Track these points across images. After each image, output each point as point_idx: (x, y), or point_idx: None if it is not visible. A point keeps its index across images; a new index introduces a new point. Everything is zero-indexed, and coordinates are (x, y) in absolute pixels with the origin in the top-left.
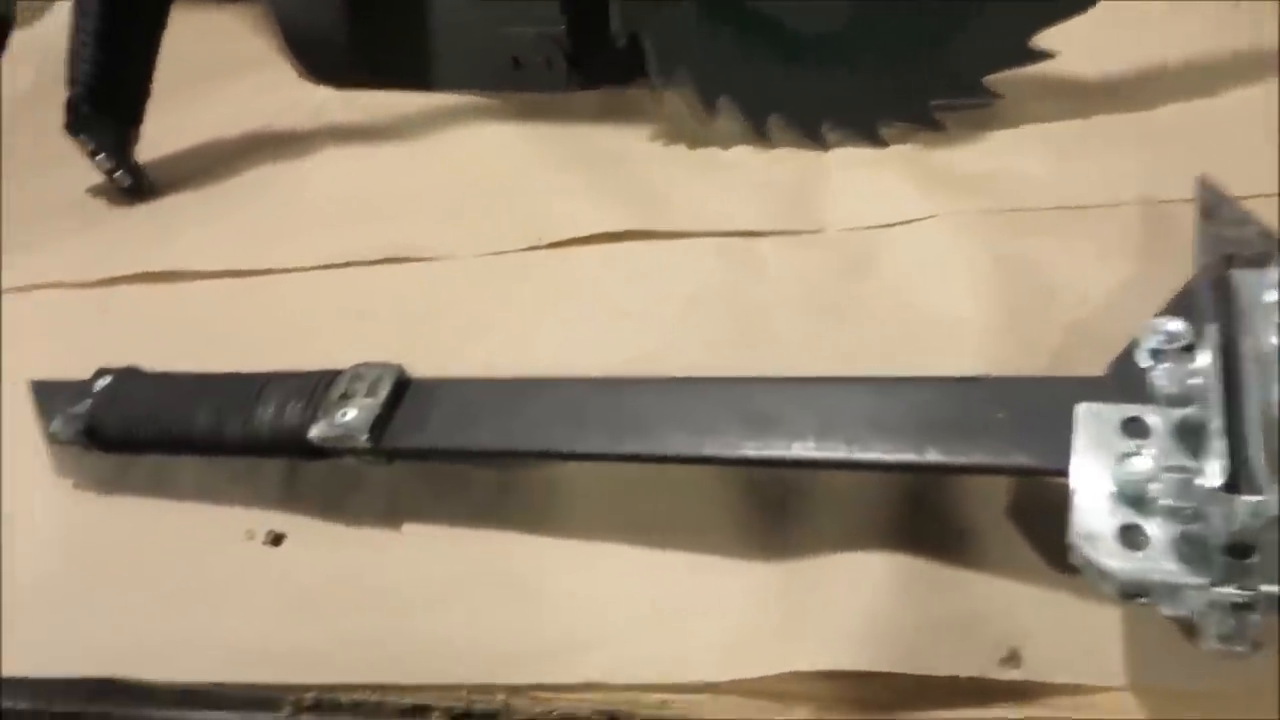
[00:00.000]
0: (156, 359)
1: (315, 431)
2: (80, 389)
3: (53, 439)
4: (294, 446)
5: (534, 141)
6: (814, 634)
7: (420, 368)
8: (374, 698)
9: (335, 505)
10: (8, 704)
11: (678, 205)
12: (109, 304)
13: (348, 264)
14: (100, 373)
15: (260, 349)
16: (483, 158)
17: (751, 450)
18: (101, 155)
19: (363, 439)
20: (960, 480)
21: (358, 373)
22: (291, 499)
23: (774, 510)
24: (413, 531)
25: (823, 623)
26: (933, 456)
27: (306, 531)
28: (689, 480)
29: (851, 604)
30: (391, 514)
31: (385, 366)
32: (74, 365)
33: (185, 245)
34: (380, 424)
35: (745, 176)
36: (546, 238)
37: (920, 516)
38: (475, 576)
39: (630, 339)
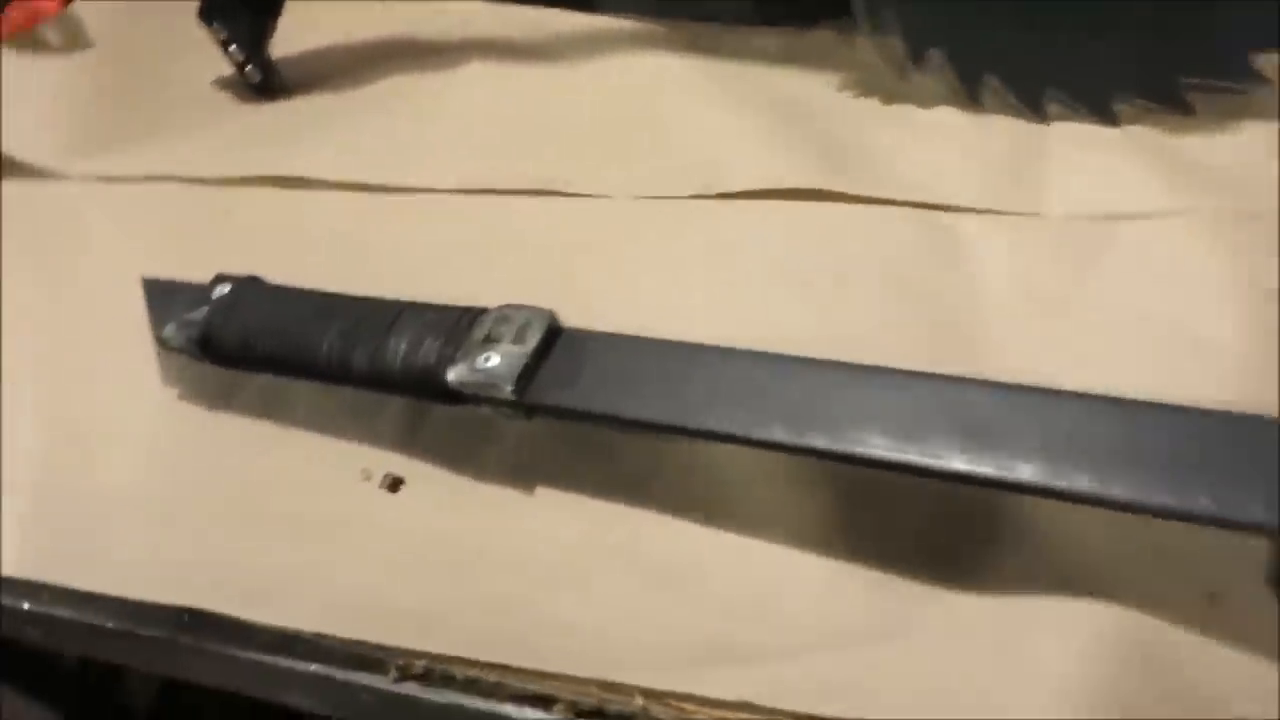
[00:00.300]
0: (279, 270)
1: (454, 375)
2: (197, 294)
3: (163, 344)
4: (427, 387)
5: (706, 78)
6: (1022, 687)
7: (562, 313)
8: (491, 677)
9: (464, 456)
10: (92, 620)
11: (867, 166)
12: (231, 206)
13: (488, 191)
14: (219, 279)
15: (389, 272)
16: (646, 90)
17: (965, 465)
18: (234, 46)
19: (507, 389)
20: (1215, 533)
21: (504, 314)
22: (415, 442)
23: (978, 535)
24: (548, 497)
25: (1033, 676)
26: (1202, 506)
27: (428, 480)
28: (876, 483)
29: (1067, 661)
30: (526, 474)
31: (535, 311)
32: (190, 266)
33: (315, 152)
34: (527, 374)
35: (949, 142)
36: (715, 187)
37: (1162, 571)
38: (616, 557)
39: (804, 312)
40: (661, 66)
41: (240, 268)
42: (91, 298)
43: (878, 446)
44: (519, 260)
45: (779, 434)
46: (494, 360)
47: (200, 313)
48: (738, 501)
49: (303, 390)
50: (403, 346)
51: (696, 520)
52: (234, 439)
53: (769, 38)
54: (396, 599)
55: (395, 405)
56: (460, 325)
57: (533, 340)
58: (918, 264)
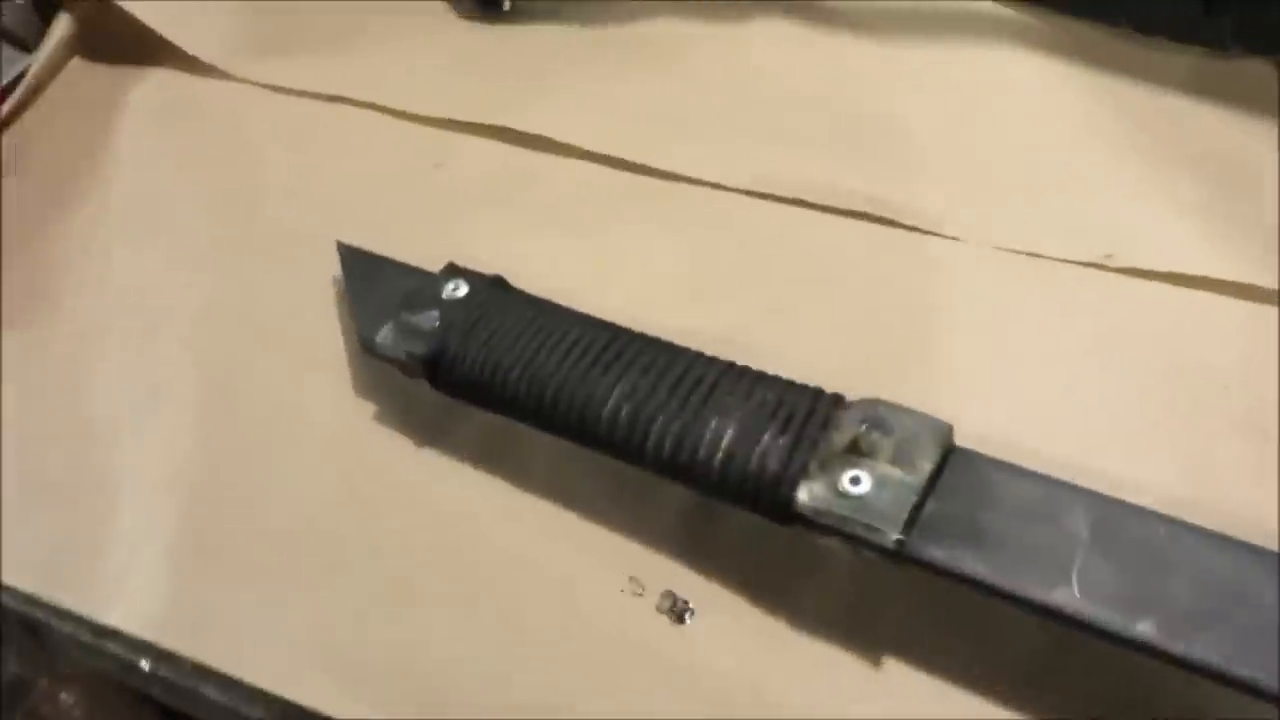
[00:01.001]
0: (502, 256)
1: (806, 495)
2: (418, 285)
3: (370, 350)
4: (759, 499)
5: (1113, 108)
6: None
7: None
8: None
9: (778, 589)
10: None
11: None
12: (443, 156)
13: (792, 201)
14: (452, 271)
15: (642, 282)
16: (1026, 110)
17: None
18: None
19: (890, 535)
20: None
21: (877, 415)
22: (707, 553)
23: None
24: (897, 673)
25: None
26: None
27: (724, 615)
28: None
29: None
30: (861, 627)
31: (923, 420)
32: (385, 226)
33: (556, 105)
34: (914, 514)
35: None
36: (1120, 258)
37: None
38: None
39: (1245, 456)
40: (1051, 78)
41: (452, 244)
42: (260, 235)
43: None
44: (831, 306)
45: None
46: (866, 486)
47: (429, 319)
48: None
49: (547, 443)
50: (729, 433)
51: None
52: (442, 492)
53: (1198, 60)
54: None
55: (682, 494)
56: (813, 420)
57: (924, 465)
58: None
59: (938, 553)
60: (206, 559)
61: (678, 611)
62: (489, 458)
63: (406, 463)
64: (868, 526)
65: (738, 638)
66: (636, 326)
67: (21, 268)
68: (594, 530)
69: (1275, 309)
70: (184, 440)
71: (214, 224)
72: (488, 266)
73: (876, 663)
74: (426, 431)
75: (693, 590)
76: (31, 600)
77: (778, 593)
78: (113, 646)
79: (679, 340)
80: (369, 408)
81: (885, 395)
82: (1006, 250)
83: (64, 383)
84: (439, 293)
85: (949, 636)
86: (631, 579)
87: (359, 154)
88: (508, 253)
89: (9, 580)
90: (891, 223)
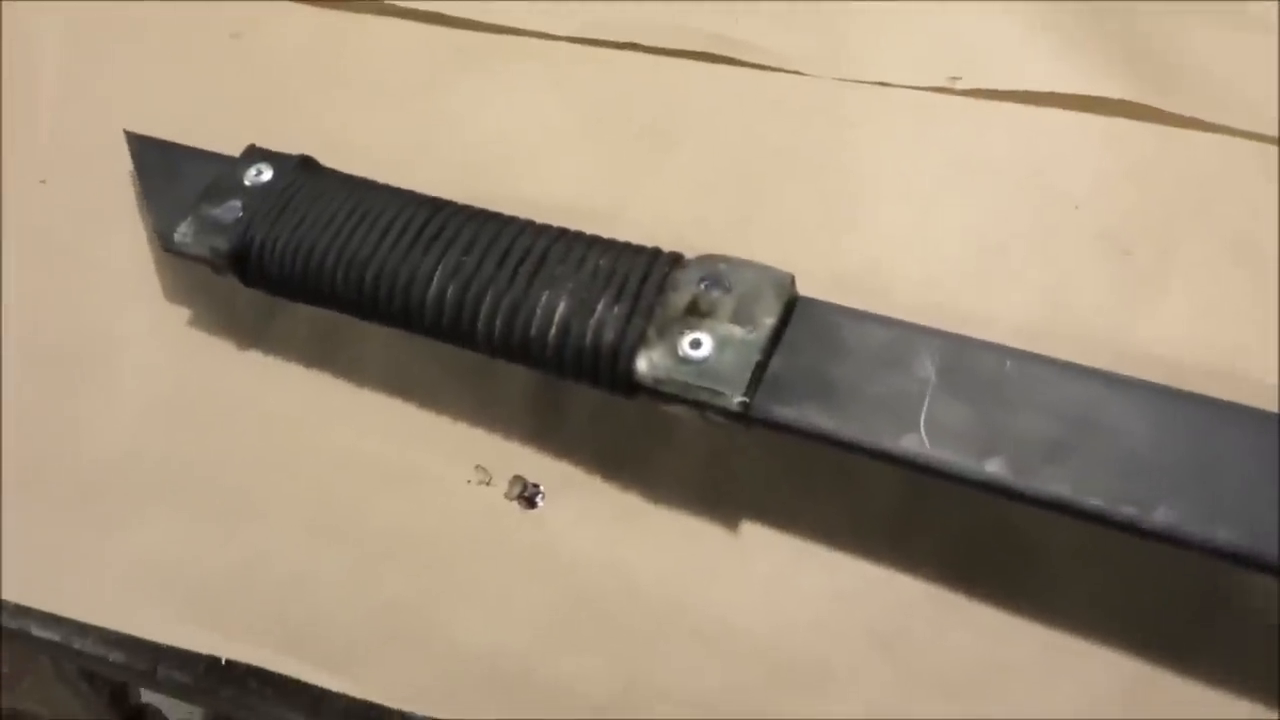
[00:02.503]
0: (316, 132)
1: (645, 364)
2: (217, 174)
3: (170, 248)
4: (598, 372)
5: None
6: None
7: (743, 234)
8: None
9: (629, 463)
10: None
11: (1197, 81)
12: (245, 22)
13: (623, 46)
14: (254, 154)
15: (481, 151)
16: None
17: None
18: None
19: (734, 398)
20: None
21: (715, 271)
22: (553, 434)
23: None
24: (757, 537)
25: None
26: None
27: (576, 493)
28: None
29: None
30: (722, 497)
31: (764, 272)
32: (182, 101)
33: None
34: (758, 373)
35: None
36: (968, 80)
37: None
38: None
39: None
40: None
41: (257, 125)
42: (44, 140)
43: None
44: (672, 159)
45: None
46: (707, 348)
47: (230, 209)
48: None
49: (378, 337)
50: (561, 305)
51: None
52: (272, 396)
53: None
54: (534, 666)
55: (524, 375)
56: (649, 282)
57: (766, 320)
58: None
59: (785, 411)
60: (26, 495)
61: (528, 496)
62: (318, 354)
63: (230, 368)
64: (711, 391)
65: (592, 518)
66: (467, 200)
67: None
68: (435, 421)
69: (1125, 121)
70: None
71: None
72: (299, 146)
73: (735, 529)
74: (248, 333)
75: (543, 473)
76: None
77: (630, 467)
78: None
79: (515, 212)
80: (183, 313)
81: (731, 250)
82: (852, 81)
83: None
84: (240, 179)
85: (806, 495)
86: (478, 467)
87: (145, 34)
88: (320, 129)
89: None
90: (732, 61)
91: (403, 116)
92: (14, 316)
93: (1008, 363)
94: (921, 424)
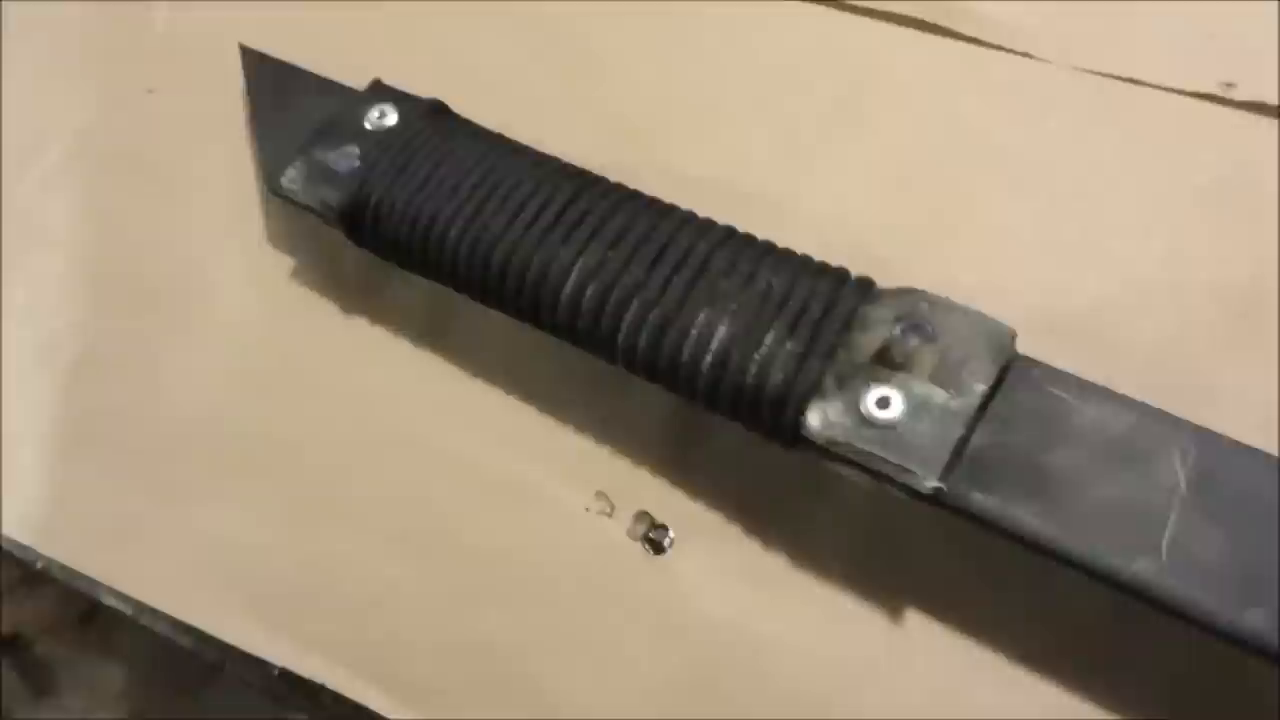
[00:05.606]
0: (448, 66)
1: (818, 419)
2: (340, 112)
3: (274, 190)
4: (759, 415)
5: None
6: None
7: None
8: None
9: (776, 515)
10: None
11: None
12: None
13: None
14: (379, 92)
15: (638, 110)
16: None
17: None
18: None
19: (927, 480)
20: None
21: (915, 314)
22: (689, 467)
23: None
24: (922, 629)
25: None
26: None
27: (710, 545)
28: None
29: None
30: (878, 576)
31: (978, 322)
32: (306, 14)
33: None
34: (958, 449)
35: None
36: (1244, 89)
37: None
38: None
39: None
40: None
41: (387, 51)
42: (150, 44)
43: None
44: (863, 145)
45: None
46: (898, 410)
47: (347, 157)
48: None
49: (500, 319)
50: (721, 330)
51: None
52: (372, 373)
53: None
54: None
55: (662, 399)
56: (832, 317)
57: (976, 386)
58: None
59: (986, 501)
60: (94, 449)
61: (654, 539)
62: (429, 332)
63: (329, 334)
64: (898, 467)
65: (726, 575)
66: (609, 168)
67: None
68: (554, 431)
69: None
70: (58, 301)
71: (94, 28)
72: (426, 79)
73: (896, 615)
74: (354, 295)
75: (672, 513)
76: None
77: (777, 520)
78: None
79: (665, 189)
80: (285, 262)
81: (924, 266)
82: (1093, 73)
83: None
84: (360, 121)
85: (989, 589)
86: (599, 494)
87: None
88: (452, 63)
89: None
90: (946, 32)
91: (548, 58)
92: (104, 240)
93: None
94: (1163, 547)
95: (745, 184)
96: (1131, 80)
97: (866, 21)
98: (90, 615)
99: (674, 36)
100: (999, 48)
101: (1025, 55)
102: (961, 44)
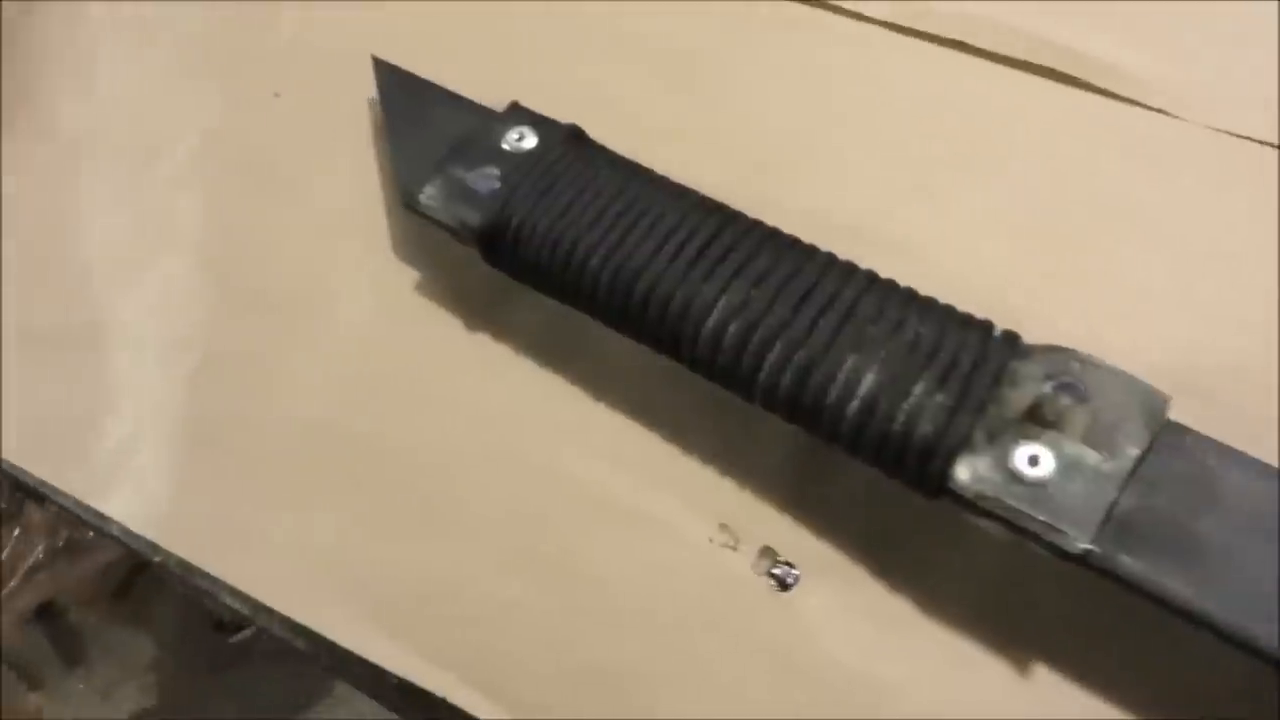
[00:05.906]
0: (579, 90)
1: (967, 473)
2: (477, 130)
3: (412, 207)
4: (900, 460)
5: None
6: None
7: None
8: None
9: (905, 559)
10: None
11: None
12: None
13: (950, 44)
14: (517, 114)
15: (766, 146)
16: None
17: None
18: None
19: (1079, 542)
20: None
21: (1067, 373)
22: (817, 504)
23: None
24: (1051, 688)
25: None
26: None
27: (836, 585)
28: None
29: None
30: (1009, 629)
31: (1133, 386)
32: (438, 31)
33: None
34: (1109, 512)
35: None
36: None
37: None
38: None
39: None
40: None
41: (519, 71)
42: (279, 50)
43: None
44: (993, 192)
45: None
46: (1048, 469)
47: (487, 179)
48: None
49: (627, 343)
50: (868, 377)
51: None
52: (494, 391)
53: None
54: None
55: (792, 435)
56: (983, 371)
57: (1130, 450)
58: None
59: (1133, 565)
60: (213, 450)
61: (779, 576)
62: (555, 353)
63: (452, 349)
64: (1048, 526)
65: (851, 616)
66: (739, 201)
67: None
68: (678, 459)
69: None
70: (186, 300)
71: (221, 30)
72: (557, 104)
73: (1024, 669)
74: (479, 312)
75: (798, 550)
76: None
77: (905, 564)
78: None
79: (791, 224)
80: (409, 275)
81: (1055, 321)
82: (1233, 135)
83: (53, 205)
84: (499, 142)
85: (1125, 652)
86: (723, 526)
87: None
88: (584, 89)
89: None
90: (1080, 83)
91: (679, 86)
92: (228, 241)
93: None
94: None
95: (866, 221)
96: (1266, 143)
97: (1002, 69)
98: (125, 588)
99: (807, 75)
100: (1134, 102)
101: (1160, 112)
102: (1096, 96)
